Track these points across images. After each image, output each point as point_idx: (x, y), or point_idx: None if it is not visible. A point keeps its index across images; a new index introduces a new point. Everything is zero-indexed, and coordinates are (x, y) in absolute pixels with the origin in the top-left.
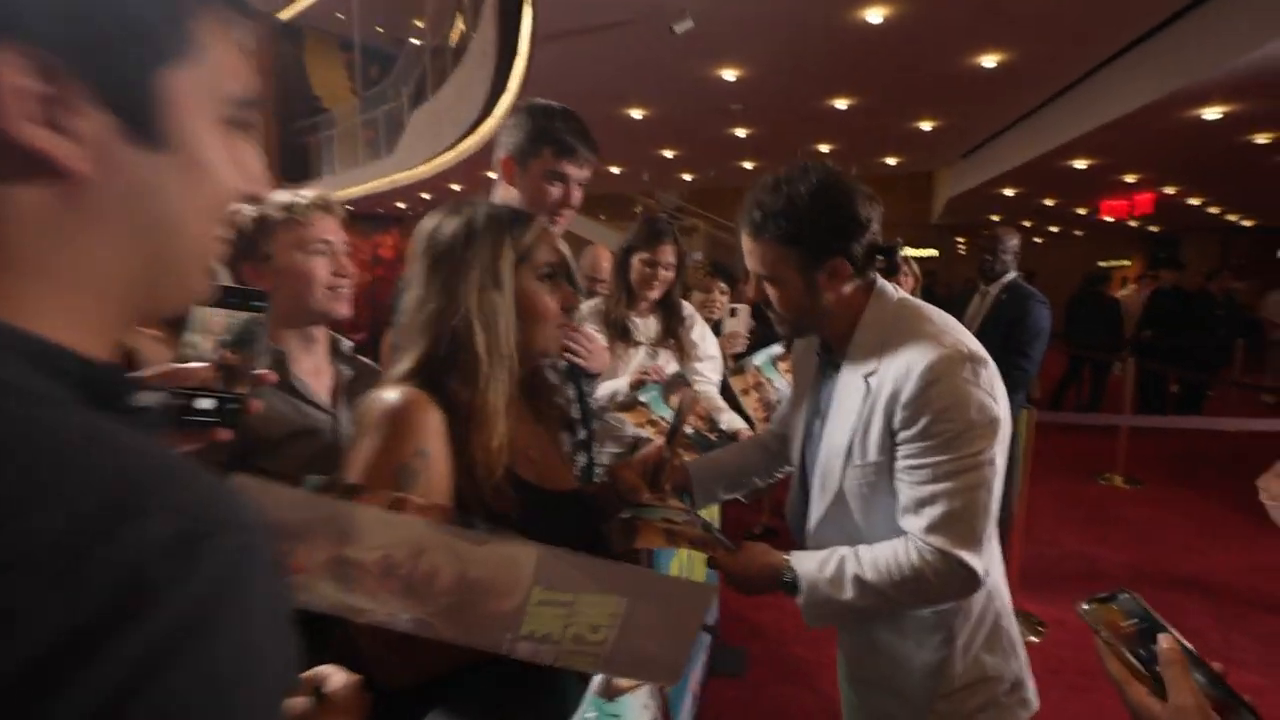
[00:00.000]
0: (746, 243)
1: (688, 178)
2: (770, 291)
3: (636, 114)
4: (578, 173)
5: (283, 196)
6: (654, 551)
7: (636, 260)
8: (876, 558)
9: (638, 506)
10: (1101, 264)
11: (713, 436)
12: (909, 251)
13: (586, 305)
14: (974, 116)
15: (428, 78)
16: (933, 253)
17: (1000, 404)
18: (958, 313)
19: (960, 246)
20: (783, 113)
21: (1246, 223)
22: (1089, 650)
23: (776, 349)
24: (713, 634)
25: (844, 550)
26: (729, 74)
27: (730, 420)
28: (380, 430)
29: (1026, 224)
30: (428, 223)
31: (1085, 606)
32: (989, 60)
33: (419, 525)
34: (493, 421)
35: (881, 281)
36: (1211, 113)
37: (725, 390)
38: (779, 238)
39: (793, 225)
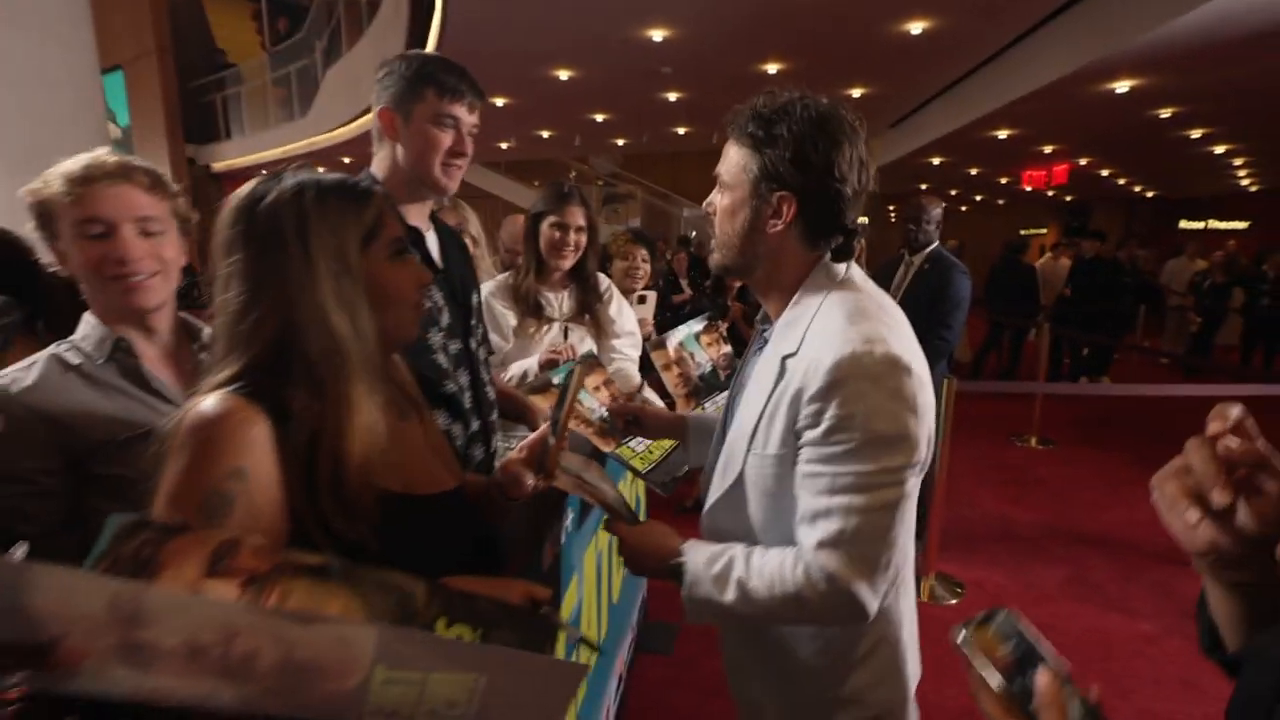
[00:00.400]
0: (726, 145)
1: (620, 143)
2: (717, 199)
3: (564, 75)
4: (468, 117)
5: (71, 163)
6: (559, 557)
7: (545, 226)
8: (764, 566)
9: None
10: (1022, 232)
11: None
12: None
13: (494, 281)
14: (902, 85)
15: (342, 32)
16: (863, 220)
17: (923, 420)
18: (884, 283)
19: (892, 214)
20: (713, 76)
21: (1149, 193)
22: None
23: (698, 324)
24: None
25: (737, 550)
26: (657, 34)
27: (648, 400)
28: (185, 450)
29: (953, 192)
30: (238, 202)
31: (961, 636)
32: (915, 27)
33: (228, 608)
34: (357, 429)
35: (829, 259)
36: (1121, 86)
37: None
38: (747, 139)
39: (765, 132)
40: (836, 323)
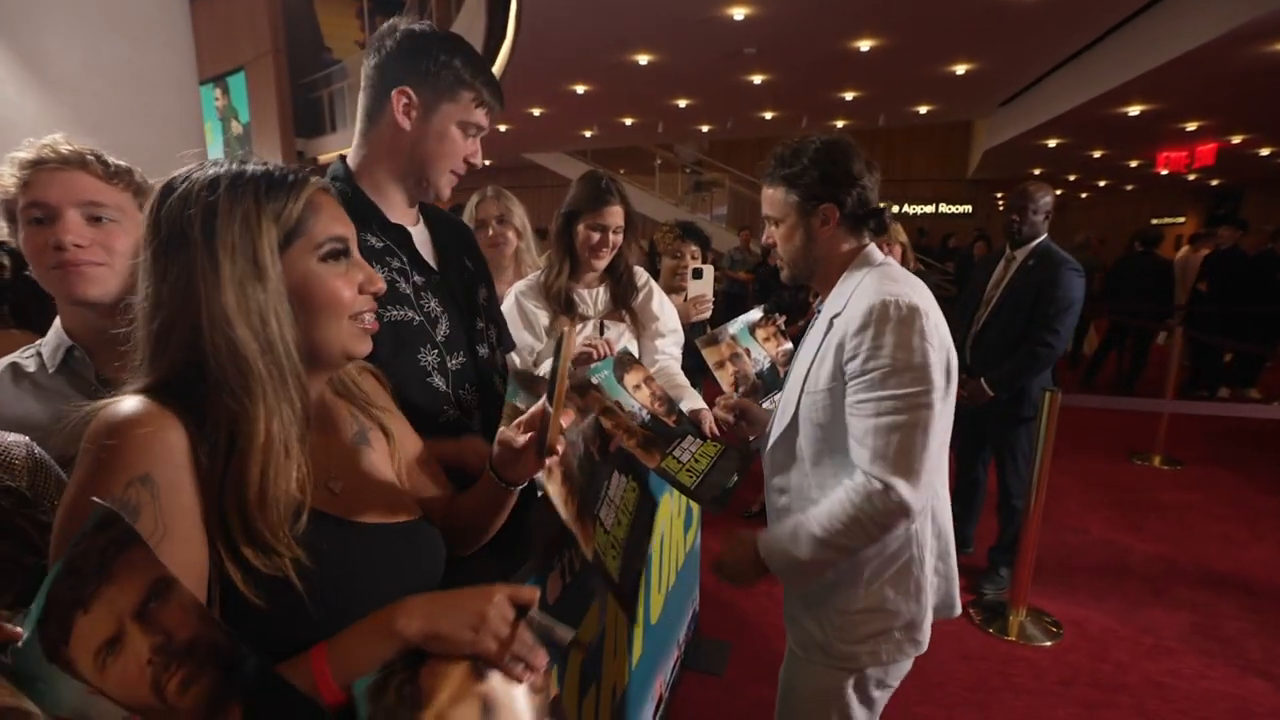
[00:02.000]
0: (763, 190)
1: (705, 129)
2: (774, 234)
3: (643, 60)
4: (487, 126)
5: (25, 149)
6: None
7: (581, 226)
8: (820, 510)
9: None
10: (1154, 221)
11: (670, 421)
12: (946, 209)
13: (523, 281)
14: (1015, 58)
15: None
16: (966, 209)
17: (935, 352)
18: (980, 281)
19: (1000, 203)
20: (800, 55)
21: None
22: (1108, 660)
23: (755, 314)
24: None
25: (796, 516)
26: (738, 12)
27: (692, 400)
28: (88, 456)
29: (1071, 178)
30: (156, 192)
31: None
32: None
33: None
34: (270, 454)
35: (872, 246)
36: None
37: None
38: (783, 180)
39: (794, 171)
40: (872, 286)
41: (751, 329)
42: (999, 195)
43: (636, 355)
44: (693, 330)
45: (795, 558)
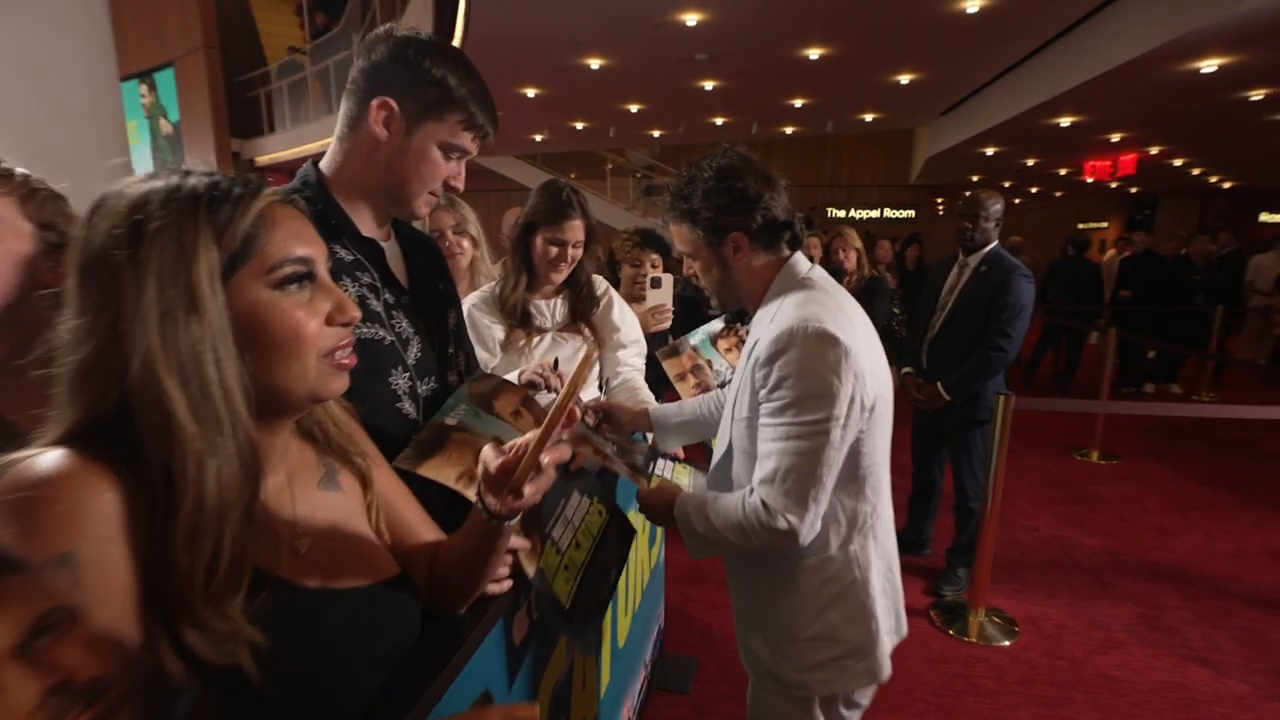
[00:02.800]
0: (671, 226)
1: (657, 134)
2: (695, 266)
3: (595, 63)
4: (475, 153)
5: None
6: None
7: (539, 239)
8: (722, 503)
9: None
10: (1080, 226)
11: (635, 450)
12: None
13: (477, 293)
14: (955, 69)
15: (377, 23)
16: (909, 214)
17: (843, 381)
18: (934, 286)
19: (940, 207)
20: (752, 62)
21: (1226, 184)
22: (1063, 656)
23: (716, 324)
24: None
25: (711, 494)
26: (691, 18)
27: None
28: None
29: (1006, 184)
30: (91, 207)
31: None
32: (972, 4)
33: None
34: (202, 522)
35: (796, 256)
36: (1208, 65)
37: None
38: (684, 216)
39: (691, 205)
40: (787, 308)
41: (713, 339)
42: (939, 200)
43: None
44: (653, 341)
45: (694, 529)
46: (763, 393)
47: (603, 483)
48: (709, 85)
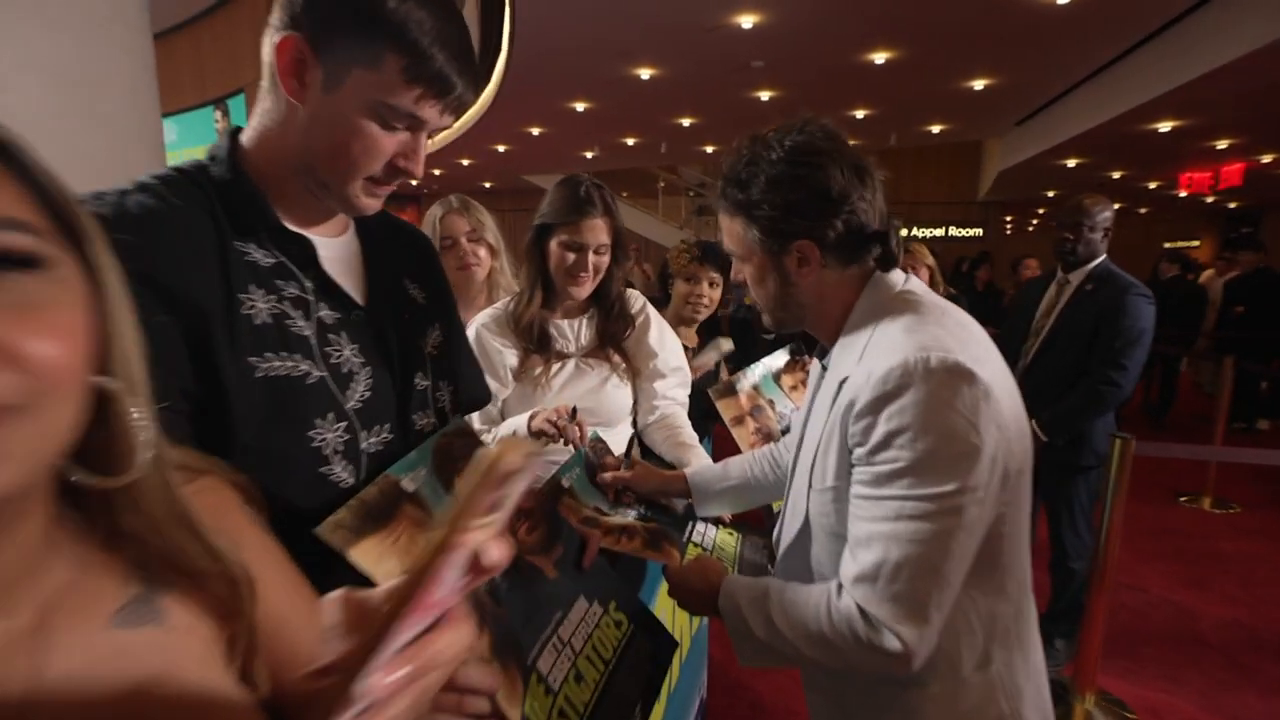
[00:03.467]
0: (719, 216)
1: (710, 149)
2: (745, 272)
3: (645, 74)
4: (438, 119)
5: None
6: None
7: (554, 243)
8: (795, 602)
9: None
10: (1167, 245)
11: (678, 507)
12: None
13: (487, 311)
14: (1038, 71)
15: None
16: (976, 232)
17: (987, 437)
18: (1026, 309)
19: (1009, 226)
20: (810, 69)
21: None
22: None
23: (779, 357)
24: None
25: (773, 584)
26: (746, 20)
27: (698, 464)
28: None
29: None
30: None
31: None
32: None
33: None
34: None
35: (882, 272)
36: None
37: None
38: (737, 208)
39: (748, 195)
40: (892, 334)
41: (776, 376)
42: (1008, 219)
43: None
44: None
45: (748, 629)
46: (860, 451)
47: (623, 576)
48: (765, 96)
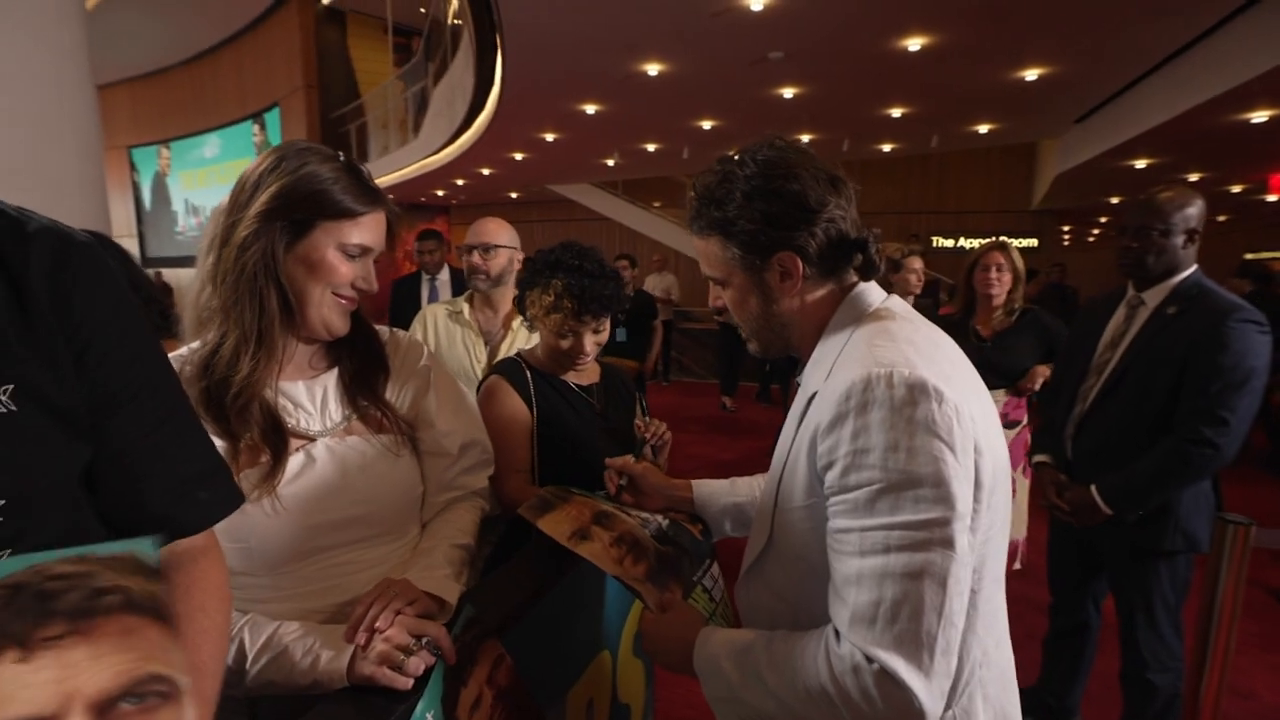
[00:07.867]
0: (694, 240)
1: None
2: (724, 296)
3: (653, 69)
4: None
5: None
6: None
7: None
8: (786, 656)
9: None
10: (1248, 256)
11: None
12: (1014, 242)
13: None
14: (1102, 58)
15: (448, 47)
16: (1031, 243)
17: (956, 453)
18: (1088, 335)
19: (1066, 236)
20: (837, 60)
21: None
22: None
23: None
24: None
25: (758, 638)
26: (755, 2)
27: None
28: None
29: None
30: None
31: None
32: None
33: None
34: None
35: (864, 286)
36: None
37: None
38: (714, 228)
39: (725, 212)
40: (858, 349)
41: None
42: (1066, 228)
43: None
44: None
45: (730, 689)
46: (831, 475)
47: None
48: (788, 93)
